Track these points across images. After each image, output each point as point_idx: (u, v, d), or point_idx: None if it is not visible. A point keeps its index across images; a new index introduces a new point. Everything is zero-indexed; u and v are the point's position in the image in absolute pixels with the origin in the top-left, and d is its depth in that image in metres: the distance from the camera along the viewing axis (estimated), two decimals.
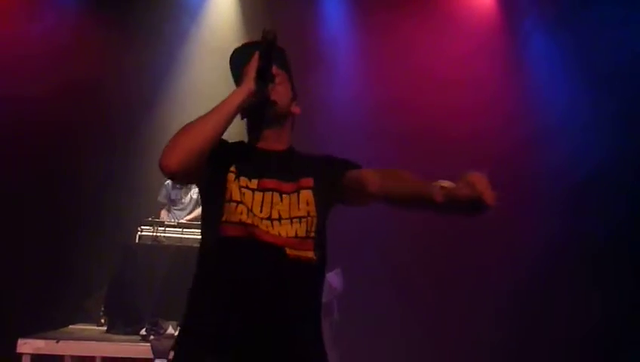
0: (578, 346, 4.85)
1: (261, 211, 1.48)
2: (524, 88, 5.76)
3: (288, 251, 1.47)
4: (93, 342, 3.40)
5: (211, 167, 1.51)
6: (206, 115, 1.47)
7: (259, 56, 1.52)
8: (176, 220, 4.65)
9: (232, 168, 1.52)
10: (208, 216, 1.57)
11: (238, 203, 1.47)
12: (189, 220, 4.71)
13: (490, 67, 5.65)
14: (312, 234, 1.51)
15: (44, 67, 4.98)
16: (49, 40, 5.13)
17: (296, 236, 1.49)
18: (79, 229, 4.89)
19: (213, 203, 1.52)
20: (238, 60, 1.62)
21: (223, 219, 1.48)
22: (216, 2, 5.90)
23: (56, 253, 4.80)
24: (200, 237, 1.62)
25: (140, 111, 5.42)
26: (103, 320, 3.90)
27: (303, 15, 5.80)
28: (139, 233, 4.14)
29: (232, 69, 1.66)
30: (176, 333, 1.56)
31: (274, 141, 1.61)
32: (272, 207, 1.50)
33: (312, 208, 1.53)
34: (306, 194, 1.54)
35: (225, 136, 1.55)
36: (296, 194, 1.54)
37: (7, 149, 4.92)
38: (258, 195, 1.50)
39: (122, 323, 3.69)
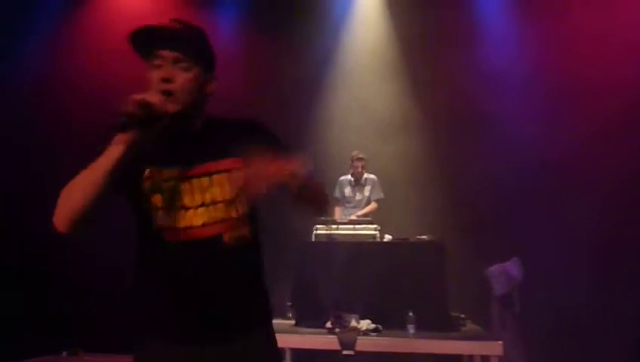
0: None
1: (194, 199, 1.46)
2: None
3: (225, 237, 1.48)
4: (283, 335, 3.63)
5: (126, 184, 1.45)
6: (84, 172, 1.39)
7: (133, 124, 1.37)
8: (348, 217, 4.80)
9: (146, 171, 1.47)
10: (142, 223, 1.50)
11: (160, 208, 1.45)
12: (360, 216, 4.84)
13: None
14: (247, 211, 1.51)
15: None
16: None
17: (230, 218, 1.49)
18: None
19: (141, 211, 1.49)
20: (147, 46, 1.48)
21: (158, 225, 1.45)
22: (362, 5, 6.02)
23: None
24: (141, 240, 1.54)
25: (303, 117, 5.69)
26: (289, 314, 4.16)
27: (453, 7, 5.65)
28: (315, 231, 4.35)
29: (139, 49, 1.50)
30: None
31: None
32: (203, 193, 1.47)
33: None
34: (235, 177, 1.49)
35: None
36: (226, 175, 1.49)
37: None
38: (186, 183, 1.46)
39: (309, 316, 3.90)
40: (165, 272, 1.48)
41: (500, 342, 3.37)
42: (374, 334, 3.63)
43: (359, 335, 3.48)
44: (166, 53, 1.46)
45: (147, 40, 1.48)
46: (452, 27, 5.55)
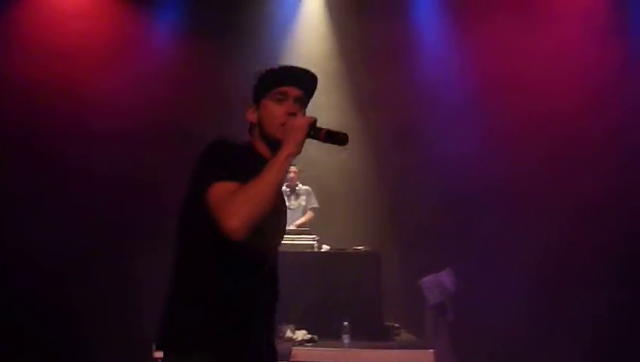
0: None
1: (277, 229, 1.69)
2: (624, 59, 5.31)
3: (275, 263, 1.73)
4: None
5: None
6: (262, 179, 1.47)
7: (325, 136, 1.58)
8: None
9: None
10: (214, 239, 1.50)
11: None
12: (297, 226, 4.83)
13: (592, 43, 5.29)
14: None
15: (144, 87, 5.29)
16: (146, 64, 5.44)
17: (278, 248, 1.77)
18: None
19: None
20: (274, 81, 1.68)
21: (244, 247, 1.50)
22: (306, 17, 6.07)
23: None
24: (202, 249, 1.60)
25: (243, 126, 5.62)
26: None
27: (394, 20, 5.76)
28: None
29: (266, 83, 1.69)
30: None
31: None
32: (281, 224, 1.73)
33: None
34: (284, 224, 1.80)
35: None
36: (285, 214, 1.77)
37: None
38: (273, 216, 1.57)
39: None
40: (239, 292, 1.58)
41: (432, 351, 3.44)
42: (310, 344, 3.62)
43: (294, 345, 3.48)
44: (293, 90, 1.66)
45: (277, 75, 1.69)
46: (395, 41, 5.67)
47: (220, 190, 1.47)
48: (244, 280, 1.58)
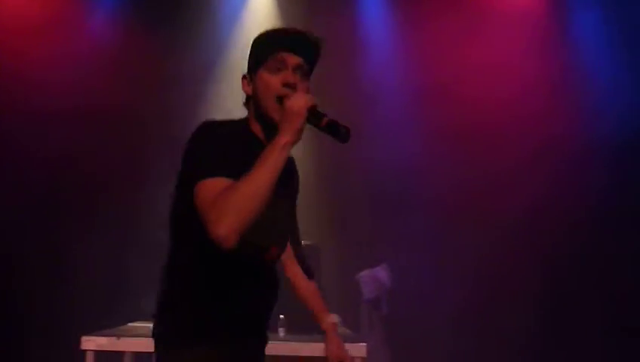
0: None
1: (273, 222, 1.51)
2: (567, 70, 5.55)
3: (279, 256, 1.67)
4: (151, 339, 3.50)
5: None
6: (254, 176, 1.29)
7: (325, 126, 1.39)
8: None
9: None
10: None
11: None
12: None
13: (531, 50, 5.51)
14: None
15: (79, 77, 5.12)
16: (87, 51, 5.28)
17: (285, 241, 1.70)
18: (137, 231, 5.01)
19: None
20: (268, 47, 1.50)
21: (243, 240, 1.37)
22: (253, 6, 6.00)
23: (112, 254, 4.97)
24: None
25: (187, 118, 5.51)
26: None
27: (341, 15, 5.79)
28: None
29: (260, 50, 1.51)
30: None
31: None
32: (280, 217, 1.57)
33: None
34: (291, 207, 1.72)
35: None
36: (289, 204, 1.68)
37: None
38: (281, 202, 1.47)
39: None
40: (236, 287, 1.50)
41: (364, 344, 3.50)
42: None
43: None
44: (290, 57, 1.46)
45: (272, 41, 1.49)
46: (342, 36, 5.68)
47: (207, 189, 1.31)
48: (243, 275, 1.51)
